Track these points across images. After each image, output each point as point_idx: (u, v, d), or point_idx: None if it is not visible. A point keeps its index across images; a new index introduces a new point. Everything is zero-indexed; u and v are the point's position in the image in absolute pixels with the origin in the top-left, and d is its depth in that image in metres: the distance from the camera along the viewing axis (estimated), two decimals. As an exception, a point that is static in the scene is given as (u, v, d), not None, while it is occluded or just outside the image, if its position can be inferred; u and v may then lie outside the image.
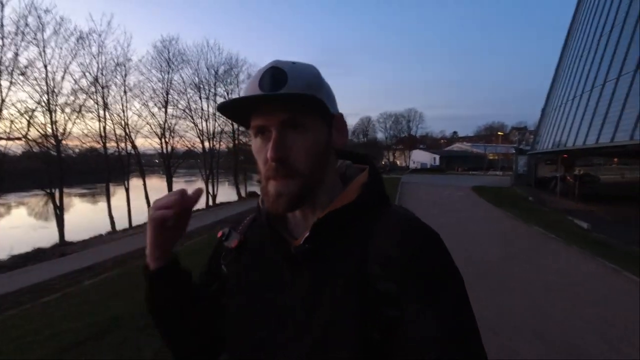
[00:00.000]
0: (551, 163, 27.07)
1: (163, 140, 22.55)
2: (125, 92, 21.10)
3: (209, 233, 12.20)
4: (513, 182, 28.48)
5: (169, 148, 23.41)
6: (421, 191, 22.32)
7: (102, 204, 27.41)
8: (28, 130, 15.52)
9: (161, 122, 22.22)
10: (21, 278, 9.88)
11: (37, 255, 13.25)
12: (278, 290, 0.65)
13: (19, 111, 15.56)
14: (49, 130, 16.33)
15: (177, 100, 23.88)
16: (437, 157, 64.36)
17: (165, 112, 22.95)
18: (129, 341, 3.67)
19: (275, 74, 0.61)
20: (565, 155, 23.82)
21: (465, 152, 69.81)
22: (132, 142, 21.43)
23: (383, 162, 67.32)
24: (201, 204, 25.87)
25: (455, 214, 13.38)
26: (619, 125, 14.58)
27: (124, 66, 20.94)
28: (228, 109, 0.64)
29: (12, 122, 15.32)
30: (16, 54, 15.35)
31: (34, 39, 16.15)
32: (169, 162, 22.96)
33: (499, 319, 4.37)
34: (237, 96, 0.64)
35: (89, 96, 18.55)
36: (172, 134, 23.36)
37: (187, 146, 25.29)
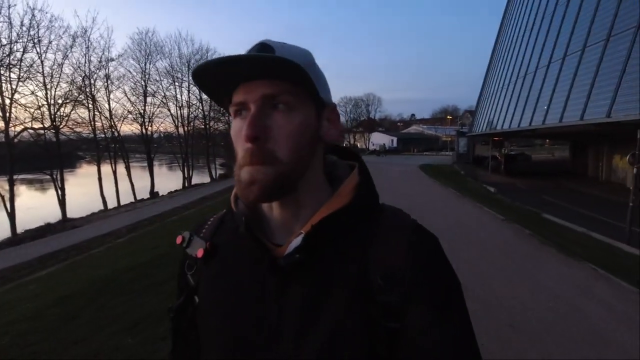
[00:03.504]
0: (486, 144, 31.54)
1: (143, 127, 24.56)
2: (108, 84, 22.91)
3: (197, 207, 15.04)
4: (455, 160, 32.96)
5: (148, 133, 25.48)
6: (378, 168, 26.24)
7: (71, 189, 28.34)
8: (42, 121, 17.62)
9: (141, 110, 24.21)
10: (65, 240, 11.98)
11: (52, 228, 15.38)
12: (262, 308, 0.57)
13: (23, 106, 17.48)
14: (48, 121, 18.32)
15: (154, 89, 25.83)
16: (395, 139, 68.37)
17: (145, 100, 24.94)
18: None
19: (261, 50, 0.55)
20: (496, 138, 28.02)
21: (420, 135, 74.93)
22: (117, 130, 23.38)
23: (344, 144, 70.75)
24: (179, 185, 28.19)
25: (398, 182, 17.13)
26: (549, 110, 16.53)
27: (108, 60, 22.66)
28: (206, 79, 0.55)
29: (25, 112, 17.39)
30: (22, 53, 17.21)
31: (36, 39, 17.93)
32: (149, 147, 25.06)
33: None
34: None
35: (81, 90, 20.41)
36: (151, 121, 25.44)
37: (161, 132, 27.38)
